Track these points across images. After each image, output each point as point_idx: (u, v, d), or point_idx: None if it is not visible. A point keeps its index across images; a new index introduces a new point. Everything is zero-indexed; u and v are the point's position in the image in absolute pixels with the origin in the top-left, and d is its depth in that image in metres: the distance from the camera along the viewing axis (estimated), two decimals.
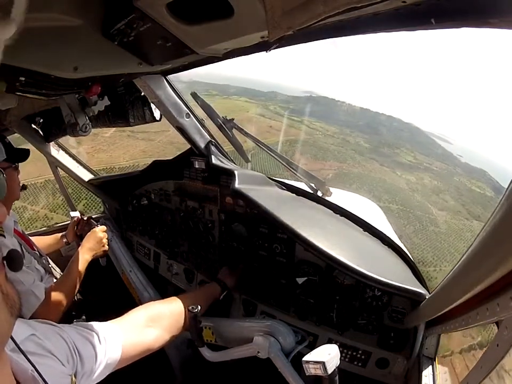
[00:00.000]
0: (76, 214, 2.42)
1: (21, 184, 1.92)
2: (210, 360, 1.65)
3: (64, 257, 2.51)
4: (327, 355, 1.09)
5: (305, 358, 1.10)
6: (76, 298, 2.23)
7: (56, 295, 1.69)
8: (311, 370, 1.08)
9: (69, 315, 2.12)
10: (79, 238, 2.50)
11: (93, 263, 2.48)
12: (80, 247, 1.97)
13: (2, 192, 1.77)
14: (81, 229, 2.41)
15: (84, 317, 2.19)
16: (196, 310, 1.51)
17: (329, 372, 1.07)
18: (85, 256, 1.94)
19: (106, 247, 2.08)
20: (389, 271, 1.43)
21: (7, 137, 1.86)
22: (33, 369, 0.66)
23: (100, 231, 2.05)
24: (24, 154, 1.88)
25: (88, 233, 2.05)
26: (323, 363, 1.06)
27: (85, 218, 2.52)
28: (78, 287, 1.86)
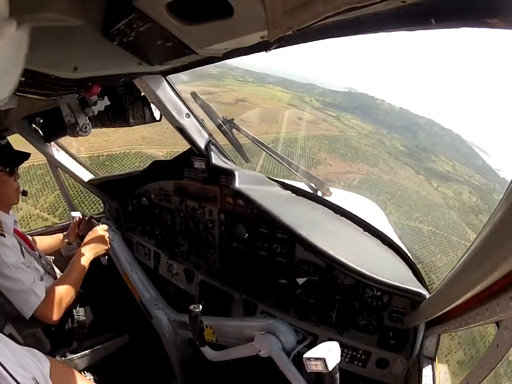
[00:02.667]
0: (77, 214, 2.40)
1: (21, 189, 1.89)
2: (212, 360, 1.65)
3: (64, 257, 2.51)
4: (328, 351, 1.09)
5: (306, 354, 1.11)
6: (77, 299, 2.23)
7: (57, 294, 1.67)
8: (312, 366, 1.09)
9: (70, 314, 2.13)
10: (81, 238, 2.50)
11: (95, 263, 2.48)
12: (81, 246, 1.94)
13: None
14: (82, 229, 2.41)
15: (84, 317, 2.19)
16: (197, 310, 1.51)
17: (330, 368, 1.07)
18: (87, 254, 1.90)
19: (108, 246, 2.04)
20: (389, 271, 1.43)
21: (8, 138, 1.82)
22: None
23: (102, 230, 2.02)
24: (21, 158, 1.84)
25: (89, 232, 2.02)
26: (324, 359, 1.06)
27: (86, 218, 2.52)
28: (79, 285, 1.83)
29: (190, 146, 2.02)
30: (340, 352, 1.13)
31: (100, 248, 1.99)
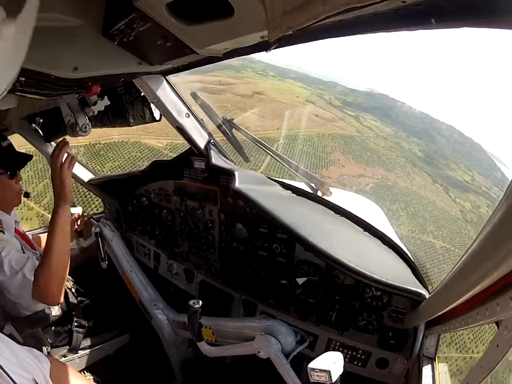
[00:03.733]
0: (76, 210, 2.39)
1: (22, 191, 1.87)
2: (209, 355, 1.66)
3: None
4: (333, 363, 1.12)
5: (311, 365, 1.13)
6: (76, 299, 2.23)
7: (47, 270, 1.50)
8: (316, 377, 1.12)
9: (69, 315, 2.13)
10: (79, 234, 2.50)
11: (94, 264, 2.48)
12: (58, 202, 1.57)
13: None
14: (81, 225, 2.41)
15: (84, 317, 2.19)
16: (197, 306, 1.52)
17: (334, 380, 1.10)
18: (63, 208, 1.57)
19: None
20: (389, 271, 1.43)
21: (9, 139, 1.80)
22: None
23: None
24: (23, 160, 1.81)
25: (56, 182, 1.59)
26: (329, 372, 1.10)
27: (86, 218, 2.52)
28: (68, 245, 1.62)
29: (190, 146, 2.03)
30: (343, 363, 1.16)
31: (70, 192, 1.59)
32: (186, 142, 2.02)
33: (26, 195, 2.01)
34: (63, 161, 1.57)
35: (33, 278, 1.51)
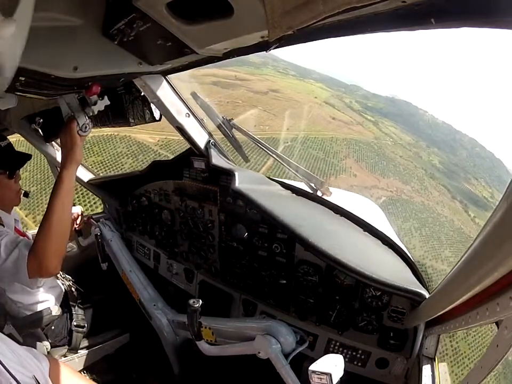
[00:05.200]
0: (75, 209, 2.39)
1: (22, 191, 1.88)
2: (208, 354, 1.66)
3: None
4: (334, 366, 1.13)
5: (312, 367, 1.14)
6: (76, 299, 2.23)
7: (44, 238, 1.39)
8: (316, 379, 1.13)
9: (70, 314, 2.13)
10: (78, 234, 2.50)
11: (94, 264, 2.48)
12: (64, 162, 1.44)
13: None
14: (80, 224, 2.41)
15: (84, 317, 2.19)
16: (197, 305, 1.52)
17: (334, 382, 1.11)
18: (70, 170, 1.44)
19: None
20: (388, 271, 1.43)
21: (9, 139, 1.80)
22: None
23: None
24: (22, 160, 1.81)
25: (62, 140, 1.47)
26: (330, 375, 1.10)
27: (85, 218, 2.52)
28: (70, 212, 1.50)
29: (189, 146, 2.03)
30: (343, 366, 1.16)
31: (79, 153, 1.48)
32: (182, 139, 2.01)
33: (26, 194, 2.01)
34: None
35: (28, 252, 1.40)
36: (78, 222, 2.37)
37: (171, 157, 2.26)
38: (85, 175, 2.75)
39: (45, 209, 1.44)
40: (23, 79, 0.95)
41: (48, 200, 1.45)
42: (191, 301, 1.53)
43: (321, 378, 1.11)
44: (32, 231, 2.66)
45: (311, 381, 1.13)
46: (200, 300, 1.54)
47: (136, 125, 1.79)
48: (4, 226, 1.64)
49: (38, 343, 1.96)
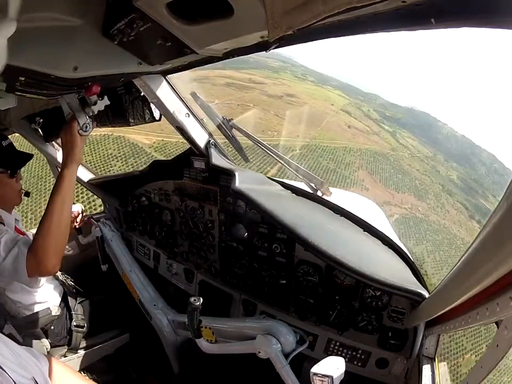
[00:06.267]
0: (76, 208, 2.39)
1: (23, 190, 1.89)
2: (207, 352, 1.66)
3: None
4: (335, 369, 1.14)
5: (313, 369, 1.15)
6: (76, 298, 2.23)
7: (43, 237, 1.39)
8: (318, 382, 1.13)
9: (69, 315, 2.13)
10: (78, 231, 2.50)
11: (94, 264, 2.49)
12: (65, 161, 1.44)
13: None
14: (80, 223, 2.41)
15: (84, 317, 2.19)
16: (198, 303, 1.52)
17: None
18: (71, 168, 1.43)
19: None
20: (388, 271, 1.44)
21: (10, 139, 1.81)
22: None
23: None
24: (23, 159, 1.82)
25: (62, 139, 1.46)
26: (331, 377, 1.12)
27: (86, 218, 2.52)
28: (70, 210, 1.48)
29: (189, 146, 2.03)
30: (344, 368, 1.17)
31: (80, 153, 1.47)
32: (179, 142, 2.01)
33: (27, 194, 2.02)
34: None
35: (27, 251, 1.39)
36: (78, 220, 2.37)
37: None
38: (85, 175, 2.75)
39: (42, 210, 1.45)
40: (23, 79, 0.95)
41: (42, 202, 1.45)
42: (191, 299, 1.53)
43: (322, 381, 1.12)
44: (32, 231, 2.66)
45: (312, 382, 1.14)
46: (201, 298, 1.54)
47: (136, 124, 1.79)
48: (4, 225, 1.64)
49: (37, 343, 1.96)
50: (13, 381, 0.68)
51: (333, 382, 1.10)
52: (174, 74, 1.56)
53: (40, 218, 1.44)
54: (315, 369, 1.14)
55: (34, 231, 2.65)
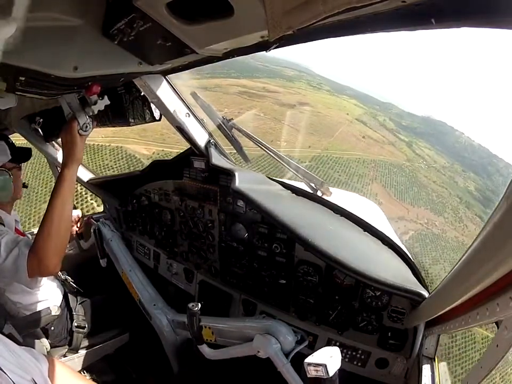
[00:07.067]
0: (75, 212, 2.40)
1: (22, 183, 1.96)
2: (210, 358, 1.66)
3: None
4: (329, 357, 1.10)
5: (307, 360, 1.11)
6: (76, 298, 2.23)
7: (45, 237, 1.39)
8: (313, 372, 1.10)
9: (69, 315, 2.13)
10: (79, 236, 2.50)
11: (94, 263, 2.48)
12: (65, 161, 1.45)
13: (9, 193, 1.80)
14: (80, 227, 2.41)
15: (84, 317, 2.19)
16: (196, 309, 1.52)
17: (331, 374, 1.08)
18: (71, 168, 1.44)
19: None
20: (388, 271, 1.43)
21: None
22: None
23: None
24: (27, 153, 1.92)
25: (67, 139, 1.45)
26: (325, 365, 1.07)
27: (85, 218, 2.52)
28: (70, 210, 1.48)
29: (189, 146, 2.03)
30: (340, 357, 1.14)
31: (80, 152, 1.48)
32: (180, 152, 2.02)
33: (25, 186, 2.08)
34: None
35: (28, 251, 1.41)
36: (78, 225, 2.37)
37: None
38: (85, 174, 2.75)
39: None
40: (23, 79, 0.95)
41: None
42: (190, 305, 1.53)
43: (317, 370, 1.09)
44: (30, 231, 2.67)
45: (307, 374, 1.11)
46: (199, 304, 1.54)
47: (136, 124, 1.79)
48: (4, 226, 1.65)
49: (37, 343, 1.96)
50: (13, 382, 0.68)
51: (327, 371, 1.07)
52: (174, 74, 1.56)
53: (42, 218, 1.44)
54: (308, 359, 1.11)
55: (34, 230, 2.67)
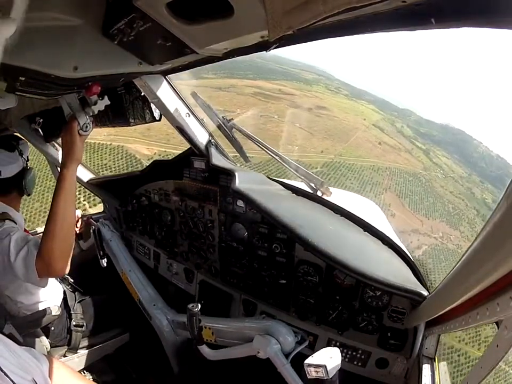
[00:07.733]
0: (76, 212, 2.40)
1: None
2: (210, 359, 1.66)
3: None
4: (329, 358, 1.10)
5: (307, 361, 1.12)
6: (76, 298, 2.23)
7: (51, 238, 1.41)
8: (313, 373, 1.10)
9: (69, 314, 2.13)
10: (79, 237, 2.50)
11: (93, 263, 2.48)
12: (65, 161, 1.45)
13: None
14: (81, 228, 2.41)
15: (83, 317, 2.19)
16: (196, 309, 1.51)
17: (331, 375, 1.09)
18: (71, 168, 1.45)
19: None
20: (389, 271, 1.43)
21: None
22: None
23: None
24: None
25: (67, 139, 1.45)
26: (325, 366, 1.08)
27: (85, 218, 2.52)
28: (73, 210, 1.51)
29: (190, 146, 2.03)
30: (340, 358, 1.14)
31: (79, 152, 1.48)
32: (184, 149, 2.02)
33: None
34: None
35: (36, 252, 1.43)
36: (78, 225, 2.37)
37: None
38: (85, 174, 2.75)
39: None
40: (23, 79, 0.95)
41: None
42: (190, 306, 1.52)
43: (317, 371, 1.09)
44: (33, 230, 2.67)
45: (308, 375, 1.12)
46: (199, 304, 1.54)
47: (136, 124, 1.79)
48: (15, 223, 1.65)
49: (37, 343, 1.96)
50: (14, 383, 0.68)
51: (327, 371, 1.07)
52: (174, 74, 1.56)
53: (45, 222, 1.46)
54: (308, 360, 1.12)
55: (38, 229, 2.68)
